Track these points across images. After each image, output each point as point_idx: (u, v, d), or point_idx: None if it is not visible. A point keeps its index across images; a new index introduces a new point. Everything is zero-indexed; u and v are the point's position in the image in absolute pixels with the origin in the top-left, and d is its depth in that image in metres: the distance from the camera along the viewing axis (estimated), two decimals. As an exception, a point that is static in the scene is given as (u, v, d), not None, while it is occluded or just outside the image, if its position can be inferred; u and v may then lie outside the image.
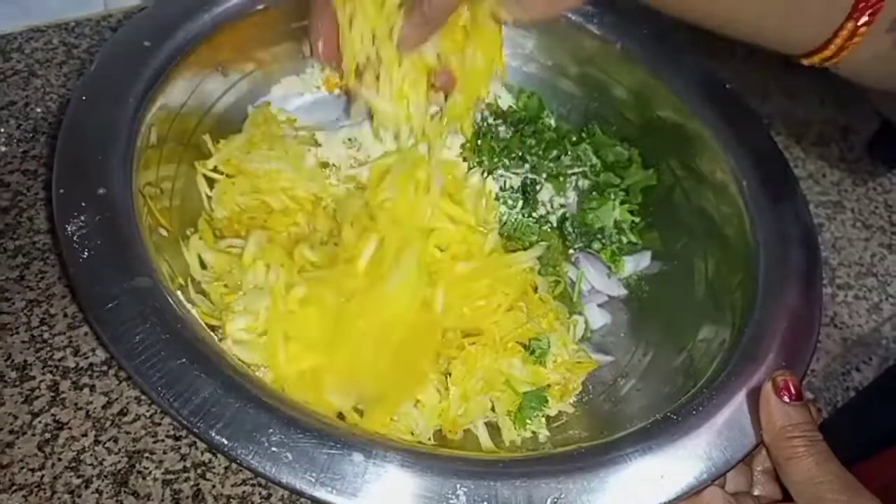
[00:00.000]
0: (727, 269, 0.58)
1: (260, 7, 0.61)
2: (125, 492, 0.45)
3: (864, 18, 0.38)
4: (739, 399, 0.45)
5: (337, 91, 0.69)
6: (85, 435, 0.47)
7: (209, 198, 0.58)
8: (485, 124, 0.68)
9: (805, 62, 0.43)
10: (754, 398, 0.44)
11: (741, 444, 0.43)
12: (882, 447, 0.64)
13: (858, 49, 0.40)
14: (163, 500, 0.45)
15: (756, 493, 0.46)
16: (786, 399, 0.42)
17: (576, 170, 0.68)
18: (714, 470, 0.42)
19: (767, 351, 0.48)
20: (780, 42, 0.44)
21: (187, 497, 0.46)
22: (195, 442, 0.48)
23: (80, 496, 0.44)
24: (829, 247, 0.74)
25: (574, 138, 0.70)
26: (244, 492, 0.47)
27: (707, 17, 0.43)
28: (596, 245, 0.65)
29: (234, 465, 0.47)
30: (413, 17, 0.46)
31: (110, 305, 0.40)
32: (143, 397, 0.49)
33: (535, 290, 0.58)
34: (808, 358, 0.49)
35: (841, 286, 0.71)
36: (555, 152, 0.68)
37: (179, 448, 0.47)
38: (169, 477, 0.46)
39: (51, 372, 0.49)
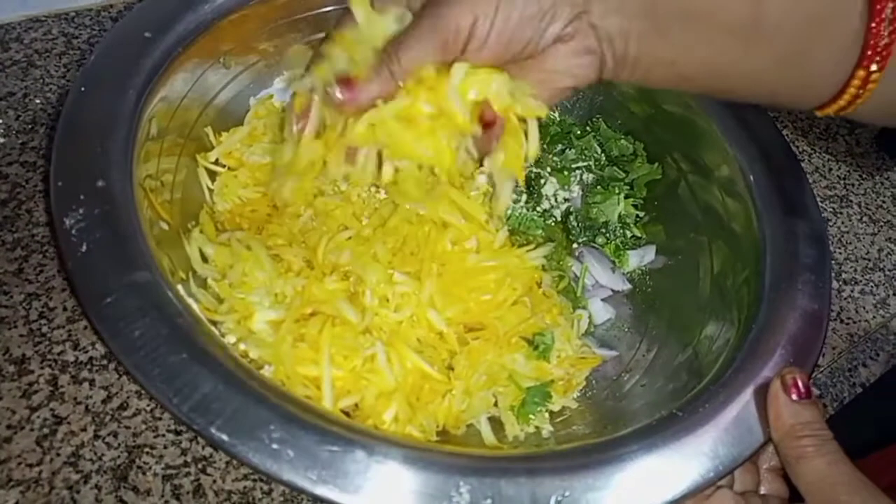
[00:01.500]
0: (733, 265, 0.57)
1: (262, -3, 0.60)
2: (125, 487, 0.44)
3: (874, 66, 0.37)
4: (746, 396, 0.45)
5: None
6: (84, 430, 0.46)
7: (211, 191, 0.57)
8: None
9: (820, 114, 0.41)
10: (761, 395, 0.44)
11: (748, 442, 0.43)
12: (890, 443, 0.63)
13: (873, 96, 0.39)
14: (163, 496, 0.45)
15: (763, 491, 0.46)
16: (794, 397, 0.42)
17: (580, 164, 0.67)
18: (721, 468, 0.42)
19: (775, 348, 0.48)
20: (792, 99, 0.42)
21: (188, 492, 0.45)
22: (196, 436, 0.47)
23: (78, 492, 0.44)
24: (835, 241, 0.73)
25: (579, 132, 0.70)
26: (245, 487, 0.46)
27: (710, 90, 0.41)
28: (600, 239, 0.64)
29: (235, 460, 0.47)
30: (380, 72, 0.39)
31: (109, 300, 0.40)
32: (143, 391, 0.48)
33: (539, 284, 0.58)
34: (816, 355, 0.48)
35: (847, 281, 0.70)
36: (559, 146, 0.67)
37: (180, 443, 0.47)
38: (169, 472, 0.46)
39: (50, 366, 0.48)
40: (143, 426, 0.47)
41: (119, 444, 0.46)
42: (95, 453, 0.45)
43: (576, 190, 0.67)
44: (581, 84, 0.40)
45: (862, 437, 0.67)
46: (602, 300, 0.62)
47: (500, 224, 0.59)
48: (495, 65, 0.39)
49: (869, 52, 0.37)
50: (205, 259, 0.52)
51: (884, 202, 0.79)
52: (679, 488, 0.41)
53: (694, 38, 0.38)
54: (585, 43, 0.38)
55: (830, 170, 0.81)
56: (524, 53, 0.38)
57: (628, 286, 0.64)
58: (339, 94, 0.39)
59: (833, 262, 0.71)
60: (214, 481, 0.46)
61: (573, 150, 0.67)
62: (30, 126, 0.60)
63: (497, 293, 0.54)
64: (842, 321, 0.67)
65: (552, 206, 0.65)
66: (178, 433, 0.47)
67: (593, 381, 0.56)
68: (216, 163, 0.58)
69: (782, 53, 0.38)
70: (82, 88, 0.49)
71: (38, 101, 0.62)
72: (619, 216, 0.65)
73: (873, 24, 0.36)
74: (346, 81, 0.39)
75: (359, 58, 0.40)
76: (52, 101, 0.62)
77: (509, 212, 0.62)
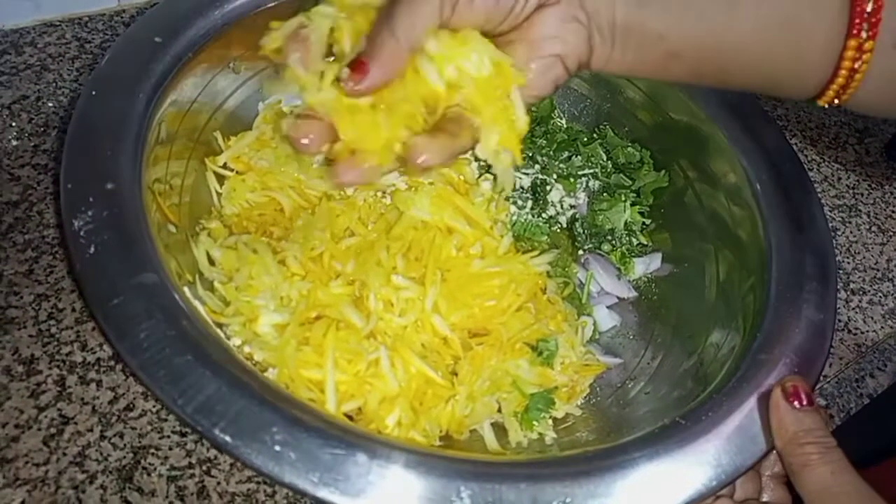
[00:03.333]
0: (739, 273, 0.57)
1: (272, 3, 0.61)
2: (130, 488, 0.45)
3: (864, 34, 0.36)
4: (750, 405, 0.45)
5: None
6: (91, 430, 0.46)
7: (219, 194, 0.58)
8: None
9: (821, 102, 0.40)
10: (765, 404, 0.44)
11: (751, 451, 0.43)
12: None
13: (871, 72, 0.38)
14: (167, 497, 0.45)
15: (765, 498, 0.45)
16: (796, 405, 0.41)
17: (586, 171, 0.67)
18: (723, 477, 0.41)
19: (779, 356, 0.47)
20: (788, 78, 0.41)
21: (192, 494, 0.45)
22: (201, 438, 0.48)
23: (84, 492, 0.44)
24: (843, 251, 0.73)
25: (585, 139, 0.70)
26: (249, 489, 0.47)
27: (702, 72, 0.40)
28: (606, 246, 0.64)
29: (239, 462, 0.47)
30: (383, 48, 0.35)
31: (116, 301, 0.40)
32: (149, 393, 0.49)
33: (544, 291, 0.58)
34: (821, 364, 0.48)
35: (855, 291, 0.70)
36: (566, 153, 0.67)
37: (185, 444, 0.47)
38: (174, 473, 0.46)
39: (58, 366, 0.49)
40: (149, 427, 0.47)
41: (125, 445, 0.46)
42: (101, 454, 0.46)
43: (582, 197, 0.67)
44: (570, 53, 0.39)
45: (869, 447, 0.67)
46: (607, 307, 0.62)
47: (505, 230, 0.59)
48: (483, 28, 0.37)
49: (857, 20, 0.36)
50: (212, 262, 0.53)
51: (893, 212, 0.78)
52: (681, 497, 0.41)
53: (679, 4, 0.38)
54: (571, 10, 0.37)
55: (839, 179, 0.80)
56: (511, 18, 0.37)
57: (634, 293, 0.63)
58: (352, 82, 0.35)
59: (841, 271, 0.71)
60: (219, 483, 0.46)
61: (579, 157, 0.67)
62: (42, 129, 0.60)
63: (501, 299, 0.54)
64: (849, 331, 0.67)
65: (558, 213, 0.65)
66: (183, 435, 0.48)
67: (598, 389, 0.56)
68: (225, 167, 0.58)
69: (769, 20, 0.38)
70: (93, 92, 0.50)
71: (50, 104, 0.62)
72: (626, 223, 0.65)
73: None
74: (358, 65, 0.35)
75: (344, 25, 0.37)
76: (65, 105, 0.63)
77: (514, 218, 0.62)
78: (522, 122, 0.39)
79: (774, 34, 0.38)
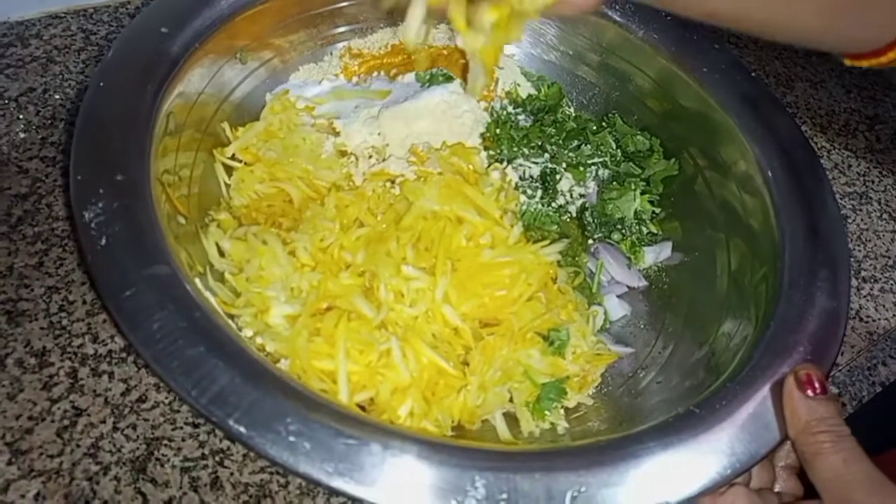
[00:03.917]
0: (751, 261, 0.57)
1: (278, -7, 0.60)
2: (143, 479, 0.45)
3: None
4: (763, 393, 0.44)
5: (355, 79, 0.68)
6: (104, 422, 0.47)
7: (227, 185, 0.58)
8: (504, 113, 0.67)
9: (849, 63, 0.39)
10: (778, 393, 0.44)
11: (765, 440, 0.43)
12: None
13: None
14: (181, 488, 0.45)
15: (777, 489, 0.45)
16: (809, 393, 0.41)
17: (596, 159, 0.67)
18: (738, 465, 0.41)
19: (793, 345, 0.47)
20: (832, 48, 0.39)
21: (205, 485, 0.46)
22: (214, 429, 0.48)
23: (98, 483, 0.44)
24: (854, 239, 0.73)
25: (594, 127, 0.69)
26: (262, 479, 0.47)
27: (737, 29, 0.39)
28: (616, 235, 0.64)
29: (252, 453, 0.47)
30: None
31: (128, 293, 0.40)
32: (161, 384, 0.49)
33: (555, 280, 0.58)
34: (835, 352, 0.48)
35: (867, 279, 0.69)
36: (575, 142, 0.67)
37: (198, 435, 0.47)
38: (187, 464, 0.46)
39: (70, 359, 0.49)
40: (162, 419, 0.47)
41: (138, 437, 0.46)
42: (115, 445, 0.46)
43: (591, 186, 0.67)
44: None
45: (882, 436, 0.66)
46: (618, 297, 0.61)
47: (515, 220, 0.59)
48: None
49: None
50: (222, 253, 0.53)
51: (904, 199, 0.78)
52: (695, 485, 0.41)
53: None
54: None
55: (850, 166, 0.80)
56: None
57: (644, 283, 0.63)
58: None
59: (852, 259, 0.71)
60: (232, 474, 0.46)
61: (589, 146, 0.67)
62: (49, 121, 0.60)
63: (512, 289, 0.53)
64: (861, 319, 0.66)
65: (567, 202, 0.65)
66: (195, 426, 0.48)
67: (609, 378, 0.56)
68: (233, 158, 0.58)
69: (837, 5, 0.36)
70: (101, 84, 0.49)
71: (57, 96, 0.62)
72: (636, 212, 0.65)
73: None
74: None
75: None
76: (71, 97, 0.62)
77: (524, 207, 0.62)
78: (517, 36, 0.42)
79: (835, 20, 0.37)
